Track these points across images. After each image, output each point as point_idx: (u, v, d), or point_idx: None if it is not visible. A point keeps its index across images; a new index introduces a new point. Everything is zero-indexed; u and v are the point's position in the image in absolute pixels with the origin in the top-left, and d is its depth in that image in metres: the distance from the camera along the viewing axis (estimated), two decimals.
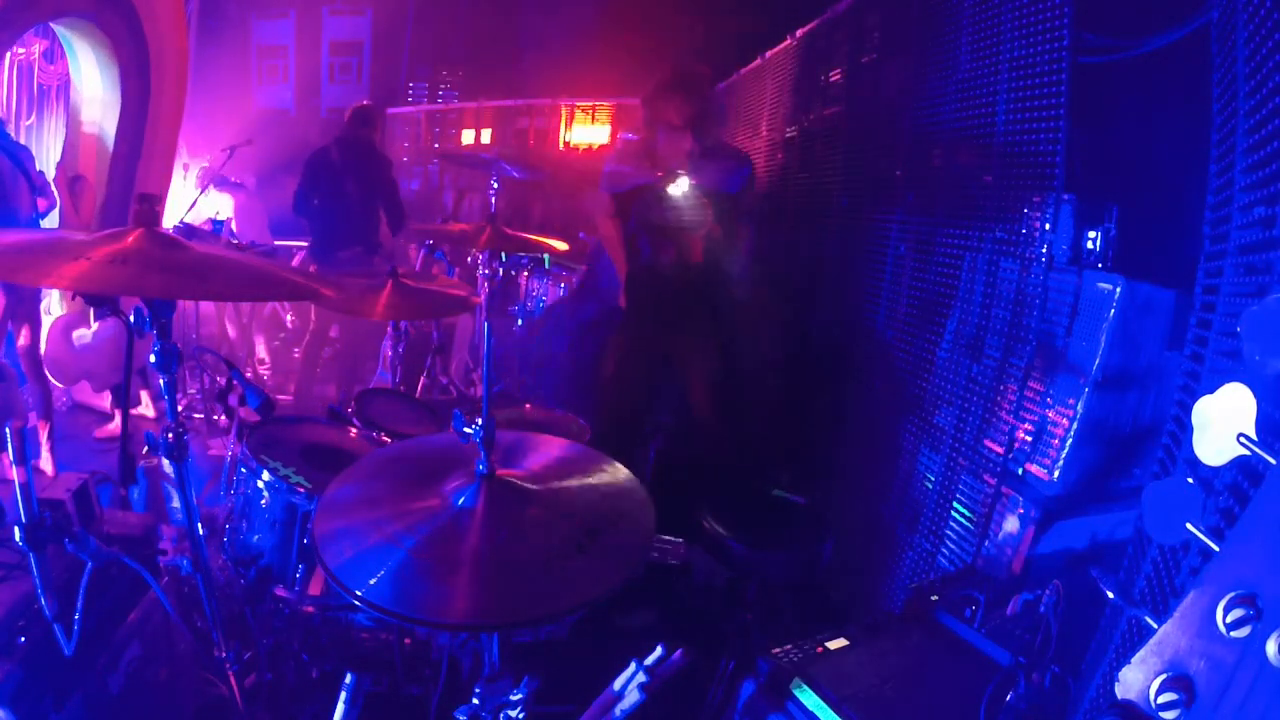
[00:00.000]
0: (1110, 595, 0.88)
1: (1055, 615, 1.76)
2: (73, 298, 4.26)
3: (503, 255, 4.16)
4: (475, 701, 1.30)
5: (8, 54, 4.83)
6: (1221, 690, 0.60)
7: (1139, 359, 1.89)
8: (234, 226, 5.92)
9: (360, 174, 4.62)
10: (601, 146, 7.35)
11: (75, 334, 4.34)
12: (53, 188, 4.04)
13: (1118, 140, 2.05)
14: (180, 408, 1.73)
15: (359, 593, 1.11)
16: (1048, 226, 2.02)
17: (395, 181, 4.87)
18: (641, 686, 1.38)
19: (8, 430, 1.26)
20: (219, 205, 5.96)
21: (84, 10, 4.26)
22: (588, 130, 7.48)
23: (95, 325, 4.36)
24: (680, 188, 2.93)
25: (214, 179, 5.80)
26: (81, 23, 4.32)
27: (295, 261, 5.36)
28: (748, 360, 3.21)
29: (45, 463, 3.64)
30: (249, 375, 2.07)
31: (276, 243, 5.90)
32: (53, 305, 4.36)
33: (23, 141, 4.40)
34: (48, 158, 5.08)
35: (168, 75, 5.03)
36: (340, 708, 1.76)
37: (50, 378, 4.30)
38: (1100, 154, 2.02)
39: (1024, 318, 2.07)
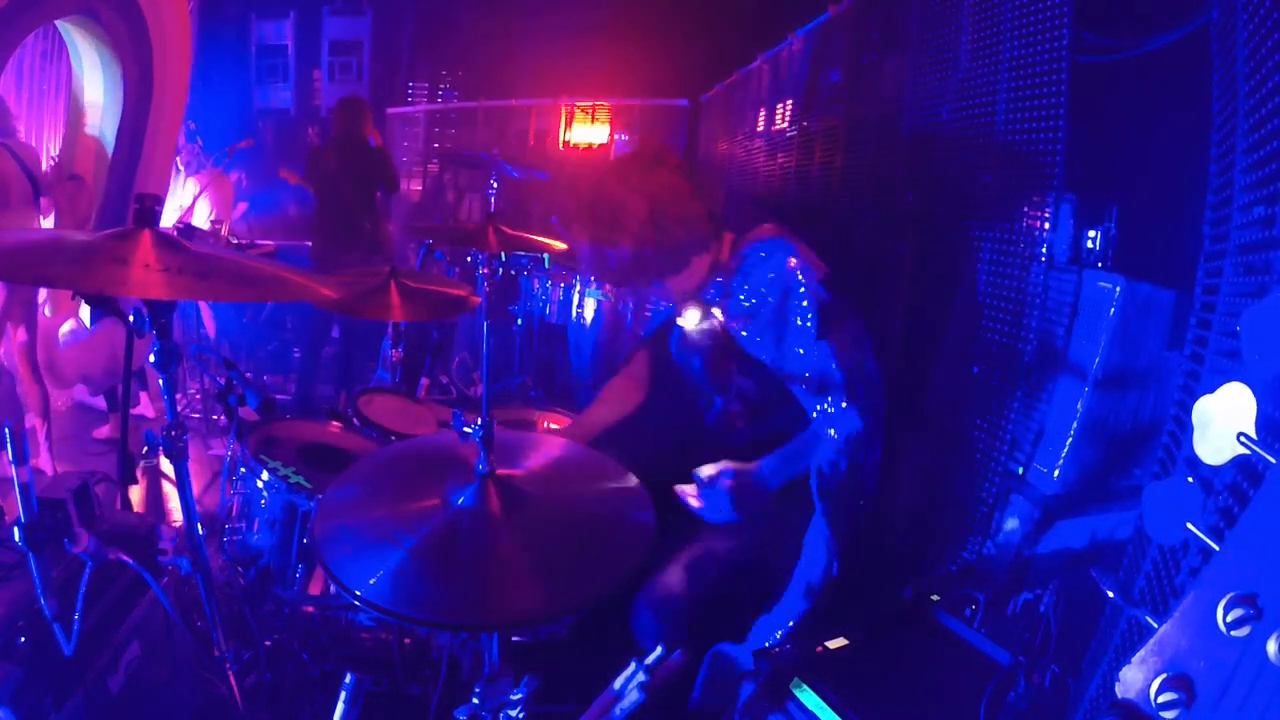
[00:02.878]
0: (1110, 595, 0.89)
1: (1055, 615, 1.76)
2: (72, 298, 4.26)
3: (503, 255, 4.16)
4: (475, 701, 1.30)
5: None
6: (1221, 690, 0.60)
7: (1139, 358, 1.89)
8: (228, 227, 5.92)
9: (357, 175, 4.61)
10: (600, 146, 7.35)
11: (61, 331, 4.34)
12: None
13: (1118, 140, 2.06)
14: (179, 407, 1.73)
15: (359, 593, 1.11)
16: (1047, 226, 2.02)
17: (390, 164, 4.82)
18: (641, 686, 1.38)
19: (7, 430, 1.26)
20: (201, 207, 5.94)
21: (89, 8, 4.25)
22: (588, 130, 7.48)
23: (90, 325, 4.36)
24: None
25: (211, 171, 5.82)
26: (85, 20, 4.32)
27: None
28: None
29: (44, 463, 3.64)
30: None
31: (279, 242, 5.91)
32: (45, 308, 4.36)
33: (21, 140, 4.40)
34: (46, 157, 5.08)
35: (170, 77, 5.03)
36: (340, 708, 1.77)
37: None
38: (1100, 154, 2.02)
39: (1024, 317, 2.07)
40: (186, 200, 5.73)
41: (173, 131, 5.30)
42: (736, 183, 4.96)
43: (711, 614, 1.84)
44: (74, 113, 4.78)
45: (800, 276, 1.88)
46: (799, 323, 1.87)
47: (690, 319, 2.07)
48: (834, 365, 1.84)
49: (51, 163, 4.52)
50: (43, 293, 4.15)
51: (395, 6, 9.09)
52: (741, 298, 1.95)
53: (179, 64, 5.08)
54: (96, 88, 4.71)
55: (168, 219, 5.07)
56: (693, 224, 1.91)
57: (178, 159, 5.83)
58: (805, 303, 1.86)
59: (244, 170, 6.82)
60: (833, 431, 1.84)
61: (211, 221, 5.70)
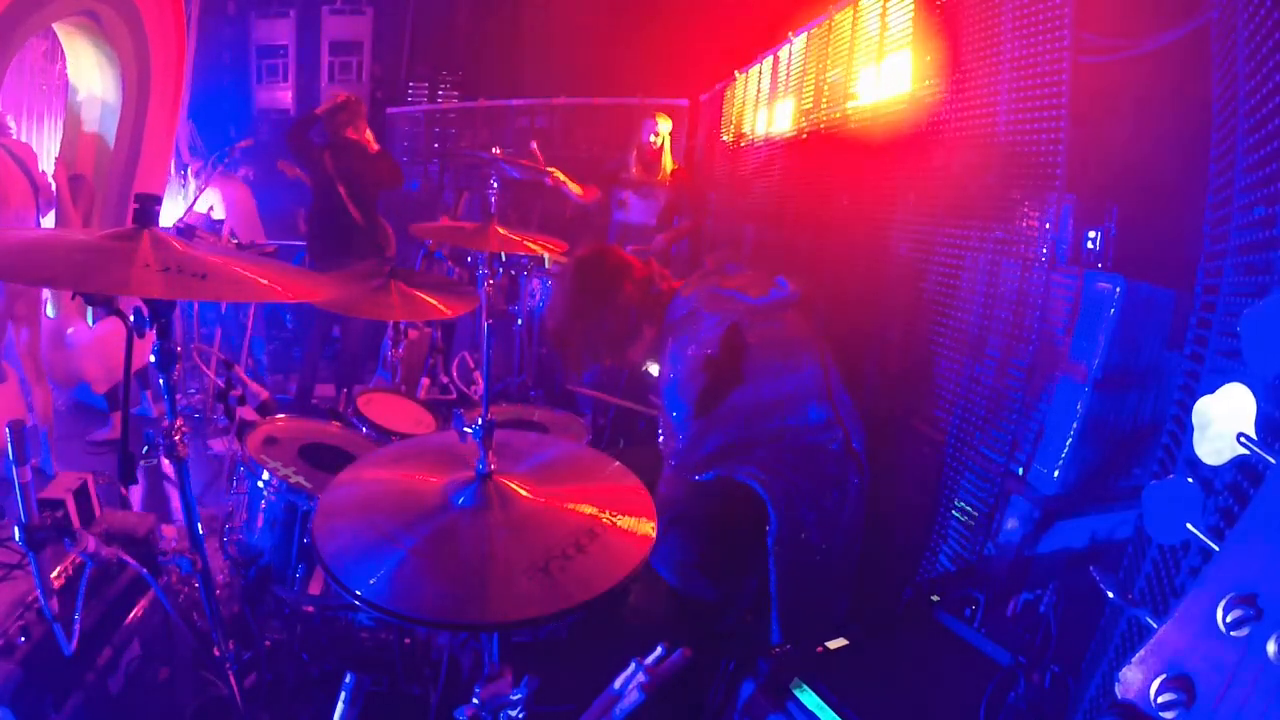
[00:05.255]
0: (1110, 595, 0.88)
1: (1055, 615, 1.76)
2: (72, 298, 4.25)
3: (502, 255, 4.15)
4: (475, 701, 1.30)
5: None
6: (1221, 690, 0.60)
7: (1139, 359, 1.89)
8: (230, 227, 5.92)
9: (351, 179, 4.54)
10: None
11: (68, 331, 4.33)
12: (52, 186, 4.03)
13: (1118, 140, 2.05)
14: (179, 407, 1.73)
15: (359, 592, 1.11)
16: (1048, 226, 2.02)
17: (388, 164, 4.69)
18: (641, 686, 1.38)
19: (8, 430, 1.26)
20: (211, 203, 5.95)
21: (90, 10, 4.25)
22: (589, 130, 7.47)
23: (91, 324, 4.35)
24: None
25: (214, 171, 5.82)
26: (85, 21, 4.31)
27: None
28: None
29: (46, 463, 3.63)
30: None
31: (277, 242, 5.90)
32: (47, 308, 4.35)
33: (23, 140, 4.40)
34: (46, 157, 5.08)
35: (167, 76, 5.02)
36: (340, 708, 1.76)
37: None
38: (1101, 154, 2.02)
39: (1025, 317, 2.07)
40: (191, 200, 5.75)
41: (170, 130, 5.30)
42: (736, 183, 4.95)
43: (735, 542, 1.93)
44: (73, 112, 4.77)
45: None
46: None
47: None
48: None
49: (55, 162, 4.51)
50: (46, 292, 4.14)
51: (395, 6, 9.08)
52: None
53: (175, 63, 5.08)
54: (96, 87, 4.70)
55: (172, 221, 5.07)
56: None
57: (188, 161, 5.85)
58: None
59: (252, 168, 6.81)
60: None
61: (215, 222, 5.70)
